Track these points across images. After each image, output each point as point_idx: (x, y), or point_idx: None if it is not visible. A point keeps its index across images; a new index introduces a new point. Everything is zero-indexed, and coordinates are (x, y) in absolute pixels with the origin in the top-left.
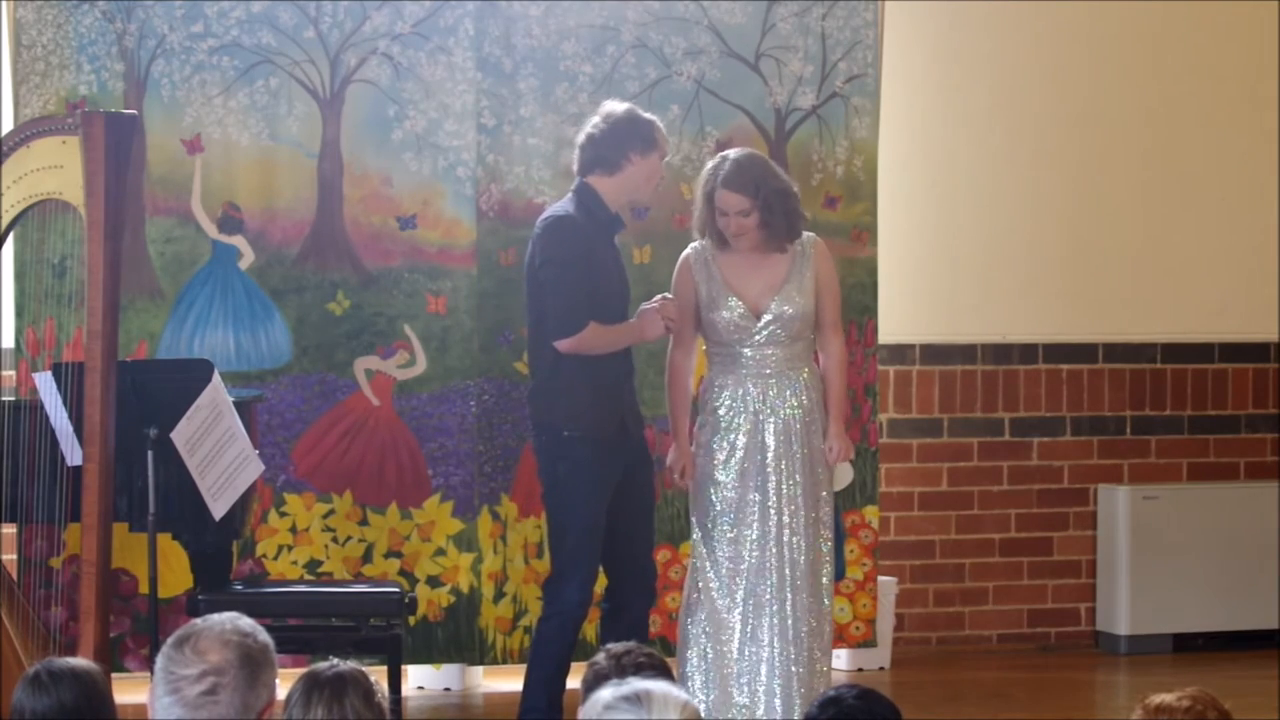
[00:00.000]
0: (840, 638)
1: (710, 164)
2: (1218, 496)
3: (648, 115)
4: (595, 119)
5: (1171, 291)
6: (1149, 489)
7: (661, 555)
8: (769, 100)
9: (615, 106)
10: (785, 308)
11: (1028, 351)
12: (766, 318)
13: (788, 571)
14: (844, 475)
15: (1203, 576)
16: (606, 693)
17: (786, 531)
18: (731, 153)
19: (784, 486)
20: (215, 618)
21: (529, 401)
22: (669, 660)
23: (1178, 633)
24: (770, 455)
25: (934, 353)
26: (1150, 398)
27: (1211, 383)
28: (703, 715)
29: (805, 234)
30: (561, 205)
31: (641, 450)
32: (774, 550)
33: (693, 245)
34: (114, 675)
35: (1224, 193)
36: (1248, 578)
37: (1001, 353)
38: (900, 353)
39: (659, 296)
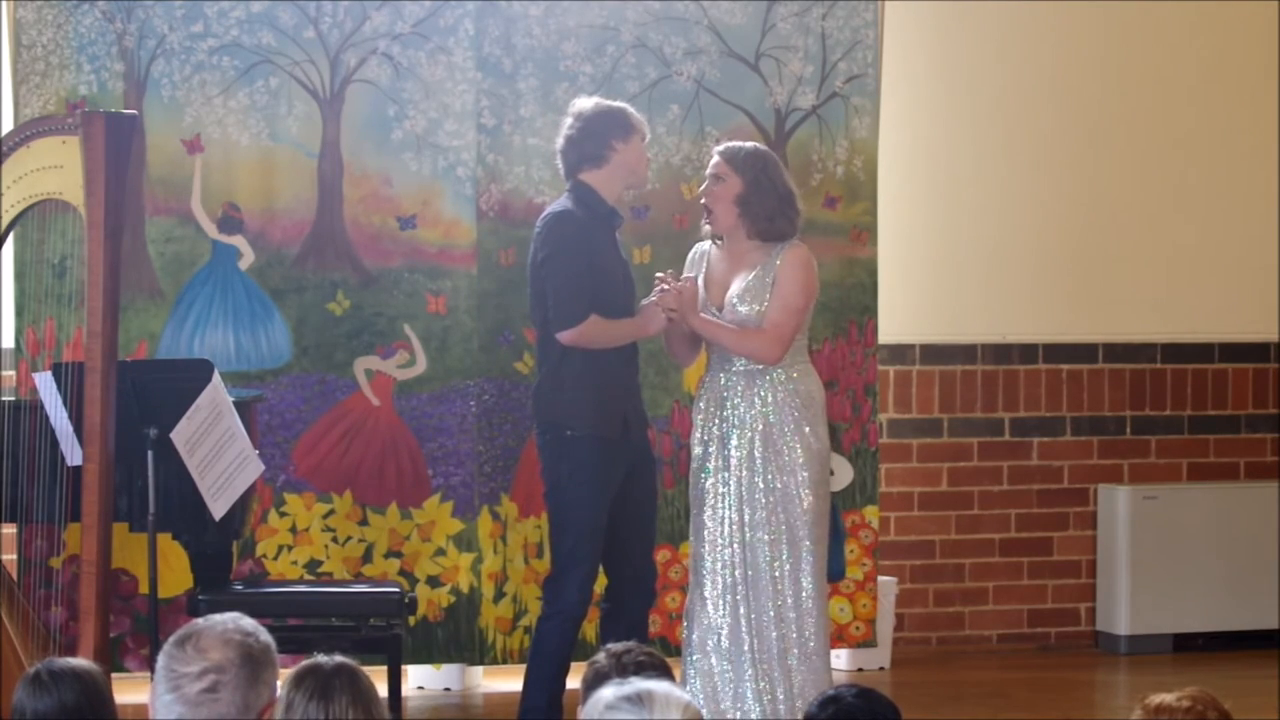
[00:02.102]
0: (840, 638)
1: None
2: (1218, 496)
3: (617, 103)
4: (568, 121)
5: (1171, 291)
6: (1149, 489)
7: (661, 555)
8: (769, 100)
9: (583, 104)
10: (740, 307)
11: (1028, 351)
12: (726, 316)
13: (750, 572)
14: (844, 475)
15: (1203, 576)
16: (608, 692)
17: (746, 531)
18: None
19: (743, 487)
20: (217, 617)
21: (533, 399)
22: (670, 660)
23: (1178, 633)
24: (731, 454)
25: (934, 353)
26: (1150, 398)
27: (1211, 383)
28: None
29: (790, 241)
30: (560, 203)
31: (644, 451)
32: (737, 550)
33: (699, 243)
34: (114, 675)
35: (1224, 193)
36: (1248, 578)
37: (1001, 353)
38: (900, 353)
39: (659, 288)
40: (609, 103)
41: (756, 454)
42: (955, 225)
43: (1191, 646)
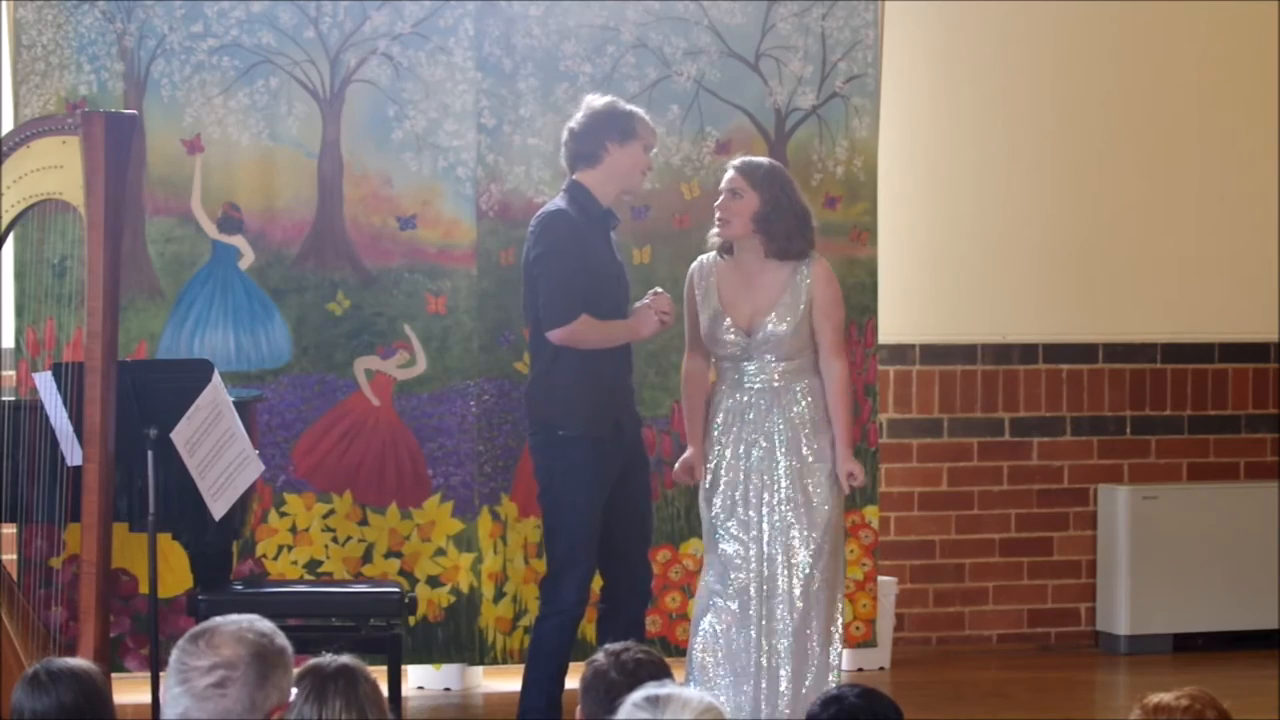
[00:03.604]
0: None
1: None
2: (1218, 496)
3: (629, 107)
4: (578, 113)
5: (1171, 291)
6: (1149, 489)
7: (661, 555)
8: (769, 100)
9: (596, 99)
10: (776, 328)
11: (1028, 351)
12: (758, 336)
13: (768, 585)
14: None
15: (1203, 576)
16: (635, 694)
17: (767, 546)
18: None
19: (766, 496)
20: (236, 617)
21: (526, 397)
22: (671, 660)
23: (1178, 633)
24: (755, 465)
25: (934, 353)
26: (1150, 398)
27: (1211, 383)
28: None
29: (811, 257)
30: (554, 202)
31: (637, 450)
32: (755, 562)
33: (700, 257)
34: (114, 675)
35: (1224, 193)
36: (1248, 578)
37: (1001, 353)
38: (900, 353)
39: (651, 291)
40: (621, 105)
41: (779, 463)
42: (955, 225)
43: (1191, 646)
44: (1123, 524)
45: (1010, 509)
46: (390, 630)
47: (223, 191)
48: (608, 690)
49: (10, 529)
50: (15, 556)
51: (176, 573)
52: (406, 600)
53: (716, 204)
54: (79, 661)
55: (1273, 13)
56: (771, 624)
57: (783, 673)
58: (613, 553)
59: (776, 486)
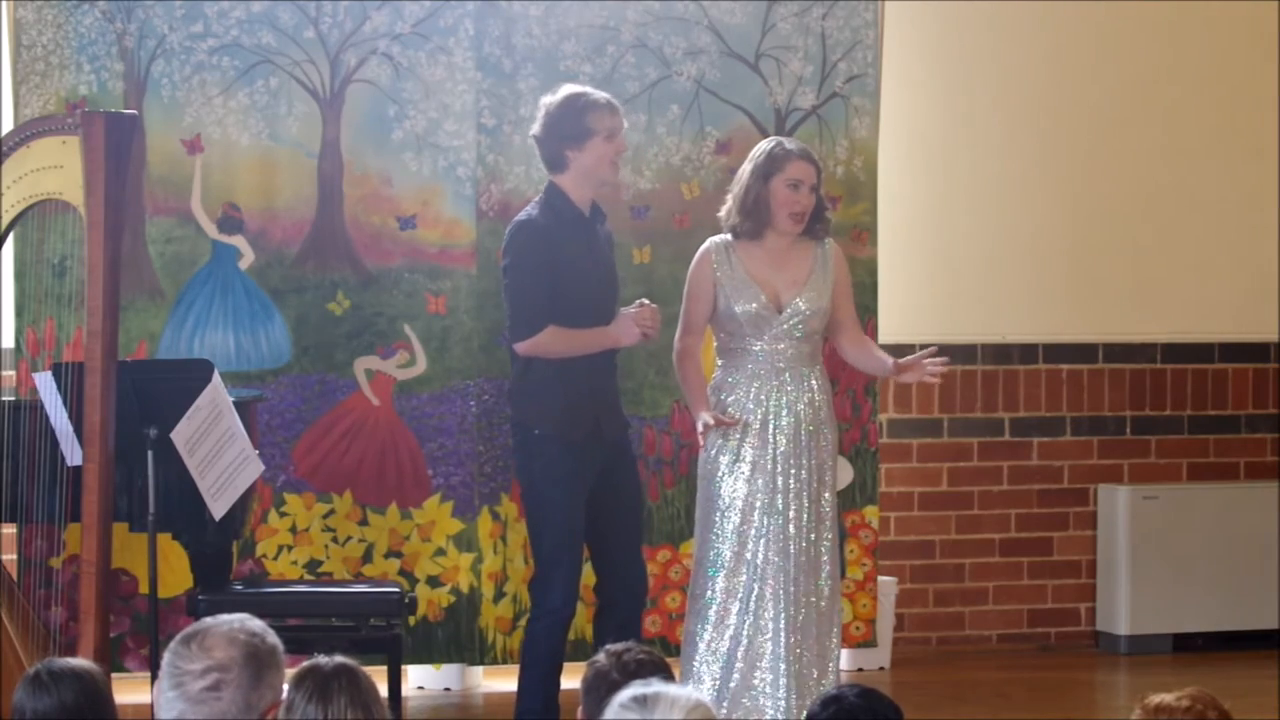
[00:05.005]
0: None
1: (766, 145)
2: (1218, 496)
3: (581, 100)
4: (538, 115)
5: (1171, 291)
6: (1149, 489)
7: (661, 555)
8: (769, 100)
9: (553, 99)
10: (807, 304)
11: (1028, 351)
12: (788, 311)
13: (792, 568)
14: (843, 475)
15: (1203, 576)
16: (623, 693)
17: (791, 527)
18: (787, 139)
19: (791, 482)
20: (225, 617)
21: (508, 401)
22: (671, 660)
23: (1178, 633)
24: (781, 451)
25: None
26: (1150, 398)
27: (1211, 383)
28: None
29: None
30: (527, 210)
31: (621, 449)
32: (777, 546)
33: (712, 239)
34: (114, 675)
35: (1224, 193)
36: (1248, 578)
37: (1001, 353)
38: (900, 353)
39: (638, 302)
40: (573, 102)
41: (805, 449)
42: (955, 225)
43: (1191, 646)
44: (1123, 524)
45: (1010, 509)
46: (390, 630)
47: (223, 191)
48: (609, 690)
49: (10, 529)
50: (15, 556)
51: (176, 573)
52: (406, 600)
53: (794, 203)
54: (80, 661)
55: (1273, 12)
56: (771, 610)
57: (798, 657)
58: (603, 552)
59: (795, 476)
